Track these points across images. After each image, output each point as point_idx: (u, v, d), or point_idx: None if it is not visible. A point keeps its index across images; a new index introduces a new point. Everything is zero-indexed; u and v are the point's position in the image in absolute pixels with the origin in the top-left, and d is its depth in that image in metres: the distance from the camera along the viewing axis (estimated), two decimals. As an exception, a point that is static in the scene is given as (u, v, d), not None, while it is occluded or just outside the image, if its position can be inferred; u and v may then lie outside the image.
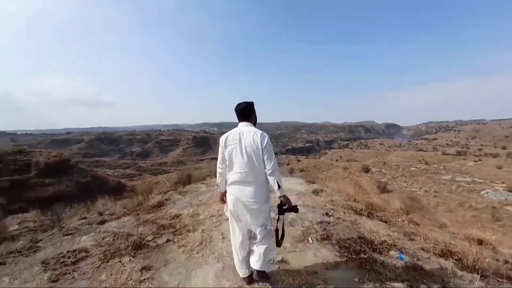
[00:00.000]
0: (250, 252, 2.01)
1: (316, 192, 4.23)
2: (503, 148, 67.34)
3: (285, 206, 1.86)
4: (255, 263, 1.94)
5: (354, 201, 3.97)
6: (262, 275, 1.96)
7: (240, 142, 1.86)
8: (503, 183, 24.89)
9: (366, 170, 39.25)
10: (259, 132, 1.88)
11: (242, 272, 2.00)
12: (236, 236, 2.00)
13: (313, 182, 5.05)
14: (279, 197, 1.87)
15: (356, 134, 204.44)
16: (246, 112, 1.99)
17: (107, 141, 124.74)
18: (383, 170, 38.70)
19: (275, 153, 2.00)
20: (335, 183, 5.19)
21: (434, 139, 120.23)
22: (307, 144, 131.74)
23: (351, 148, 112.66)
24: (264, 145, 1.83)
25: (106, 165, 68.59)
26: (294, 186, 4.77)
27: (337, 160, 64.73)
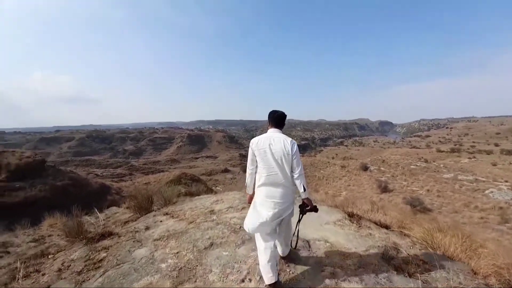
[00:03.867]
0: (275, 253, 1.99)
1: (389, 257, 2.15)
2: (496, 145, 68.06)
3: (308, 207, 2.04)
4: (281, 253, 2.20)
5: (476, 274, 1.98)
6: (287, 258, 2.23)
7: (270, 148, 1.98)
8: (506, 181, 24.27)
9: (365, 168, 38.41)
10: (288, 139, 2.01)
11: (267, 278, 1.91)
12: (261, 242, 2.00)
13: (358, 217, 3.06)
14: (303, 199, 2.05)
15: (351, 132, 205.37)
16: (281, 120, 2.13)
17: (99, 140, 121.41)
18: (382, 168, 37.93)
19: None
20: (388, 210, 3.49)
21: (427, 136, 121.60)
22: (302, 142, 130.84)
23: (346, 146, 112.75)
24: (294, 151, 1.97)
25: (97, 164, 66.10)
26: (331, 232, 2.73)
27: (333, 158, 64.15)
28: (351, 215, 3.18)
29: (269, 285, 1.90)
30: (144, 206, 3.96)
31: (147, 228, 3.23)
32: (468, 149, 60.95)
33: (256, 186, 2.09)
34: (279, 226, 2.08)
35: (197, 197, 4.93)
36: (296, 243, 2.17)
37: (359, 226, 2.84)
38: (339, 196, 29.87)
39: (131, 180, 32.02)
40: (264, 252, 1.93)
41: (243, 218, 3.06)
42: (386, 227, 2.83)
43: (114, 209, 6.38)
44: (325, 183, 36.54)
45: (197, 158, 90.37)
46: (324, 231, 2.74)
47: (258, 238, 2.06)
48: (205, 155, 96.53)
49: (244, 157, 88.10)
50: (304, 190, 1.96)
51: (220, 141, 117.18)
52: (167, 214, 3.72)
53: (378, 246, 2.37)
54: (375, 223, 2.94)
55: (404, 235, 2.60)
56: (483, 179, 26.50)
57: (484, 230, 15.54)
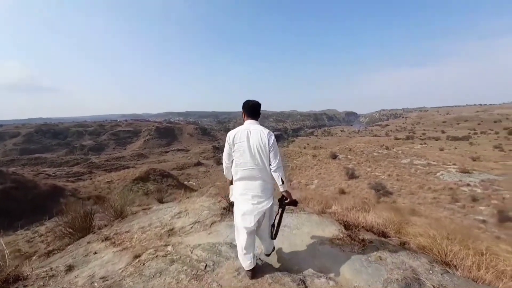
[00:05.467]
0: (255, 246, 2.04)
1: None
2: (443, 132, 77.17)
3: (287, 200, 1.98)
4: (263, 246, 2.18)
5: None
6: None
7: (248, 140, 1.92)
8: (454, 164, 27.49)
9: (334, 157, 40.44)
10: (266, 130, 1.95)
11: (246, 264, 1.97)
12: (240, 231, 1.97)
13: (356, 228, 2.57)
14: (282, 192, 1.98)
15: (321, 122, 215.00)
16: (256, 110, 2.06)
17: (51, 134, 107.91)
18: (349, 156, 40.29)
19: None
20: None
21: (386, 125, 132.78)
22: (275, 132, 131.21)
23: (316, 136, 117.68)
24: (271, 143, 1.90)
25: (49, 163, 58.75)
26: (330, 258, 2.20)
27: (305, 148, 66.40)
28: (347, 227, 2.67)
29: (248, 270, 1.95)
30: (79, 226, 2.94)
31: (68, 269, 2.27)
32: (420, 136, 68.00)
33: (234, 179, 2.04)
34: (259, 221, 1.99)
35: (155, 207, 3.97)
36: (276, 234, 2.07)
37: (363, 246, 2.31)
38: (312, 185, 31.04)
39: (90, 179, 28.88)
40: (243, 240, 1.93)
41: (212, 247, 2.38)
42: (384, 235, 2.49)
43: (66, 215, 5.32)
44: (298, 172, 37.60)
45: (167, 152, 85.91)
46: (322, 257, 2.21)
47: (237, 228, 2.00)
48: (176, 148, 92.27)
49: (217, 149, 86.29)
50: (282, 182, 1.90)
51: (191, 134, 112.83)
52: (107, 239, 2.76)
53: (397, 279, 1.82)
54: (372, 231, 2.57)
55: (405, 244, 2.29)
56: (434, 163, 29.71)
57: (437, 209, 17.41)
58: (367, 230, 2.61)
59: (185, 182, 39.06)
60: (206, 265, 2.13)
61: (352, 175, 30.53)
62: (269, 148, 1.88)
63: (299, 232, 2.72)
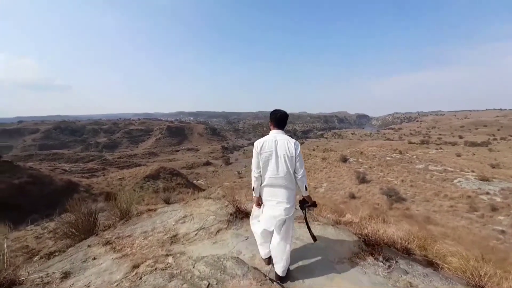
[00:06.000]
0: (272, 248, 2.11)
1: None
2: (460, 137, 74.01)
3: (308, 204, 2.13)
4: (277, 266, 2.05)
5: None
6: (280, 279, 2.04)
7: (276, 150, 1.99)
8: (472, 171, 26.21)
9: (344, 160, 39.56)
10: (292, 140, 2.03)
11: (265, 252, 2.18)
12: (256, 224, 2.19)
13: (378, 244, 2.31)
14: (304, 196, 2.13)
15: (331, 124, 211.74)
16: (284, 121, 2.11)
17: (68, 131, 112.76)
18: (360, 160, 39.31)
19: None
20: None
21: (400, 129, 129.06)
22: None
23: (326, 138, 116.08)
24: (298, 153, 1.98)
25: (66, 158, 61.29)
26: (351, 281, 1.95)
27: (314, 150, 65.48)
28: (367, 242, 2.39)
29: (264, 258, 2.17)
30: (82, 227, 2.87)
31: (64, 277, 2.16)
32: (435, 141, 65.47)
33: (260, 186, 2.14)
34: (279, 228, 2.06)
35: (161, 208, 3.84)
36: (314, 236, 2.16)
37: (388, 267, 2.05)
38: (321, 188, 30.50)
39: (103, 175, 29.79)
40: (258, 228, 2.11)
41: (216, 261, 2.15)
42: (408, 251, 2.24)
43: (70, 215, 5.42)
44: (306, 174, 37.11)
45: (177, 151, 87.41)
46: (341, 280, 1.95)
47: (257, 233, 2.15)
48: (186, 147, 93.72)
49: (226, 149, 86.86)
50: (306, 189, 2.06)
51: (201, 133, 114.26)
52: (108, 243, 2.65)
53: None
54: (395, 247, 2.32)
55: (432, 263, 2.09)
56: (451, 169, 28.43)
57: (454, 218, 16.59)
58: (389, 246, 2.37)
59: (194, 181, 39.50)
60: (208, 283, 1.86)
61: (363, 180, 29.74)
62: (295, 157, 1.96)
63: (314, 247, 2.52)
